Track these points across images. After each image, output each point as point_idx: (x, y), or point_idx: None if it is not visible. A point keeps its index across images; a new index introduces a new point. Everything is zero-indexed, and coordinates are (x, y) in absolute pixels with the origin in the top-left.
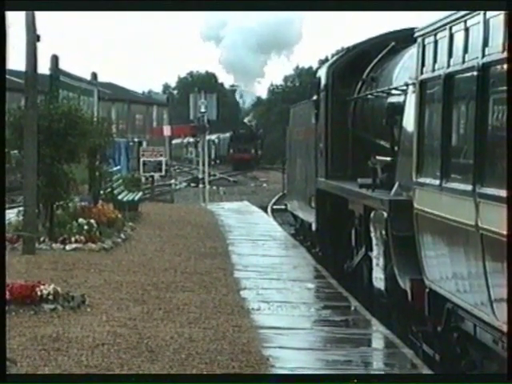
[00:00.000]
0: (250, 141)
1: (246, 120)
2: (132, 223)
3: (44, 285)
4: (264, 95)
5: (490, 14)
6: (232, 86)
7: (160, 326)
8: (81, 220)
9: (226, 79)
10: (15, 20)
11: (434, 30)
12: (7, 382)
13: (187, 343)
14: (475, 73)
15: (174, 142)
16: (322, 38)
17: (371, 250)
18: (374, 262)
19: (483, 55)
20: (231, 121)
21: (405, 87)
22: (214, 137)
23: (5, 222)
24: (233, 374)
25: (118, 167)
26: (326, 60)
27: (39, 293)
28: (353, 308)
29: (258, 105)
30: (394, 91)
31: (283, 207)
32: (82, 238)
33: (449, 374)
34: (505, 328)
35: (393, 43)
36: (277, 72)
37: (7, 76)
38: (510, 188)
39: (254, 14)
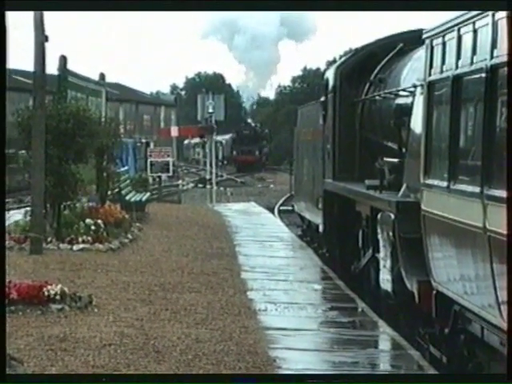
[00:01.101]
0: (254, 142)
1: (249, 120)
2: (139, 224)
3: (51, 285)
4: (271, 96)
5: (498, 15)
6: (238, 88)
7: (167, 326)
8: (88, 220)
9: (238, 72)
10: (24, 21)
11: (443, 31)
12: (7, 382)
13: (194, 344)
14: (483, 74)
15: (185, 142)
16: (331, 38)
17: (378, 251)
18: (381, 263)
19: (491, 57)
20: (239, 122)
21: (413, 89)
22: (225, 137)
23: (5, 221)
24: (239, 374)
25: (126, 168)
26: (334, 61)
27: (46, 293)
28: (360, 309)
29: (264, 105)
30: (401, 93)
31: (290, 208)
32: (89, 238)
33: (449, 374)
34: None
35: (401, 45)
36: (284, 68)
37: (15, 76)
38: (510, 189)
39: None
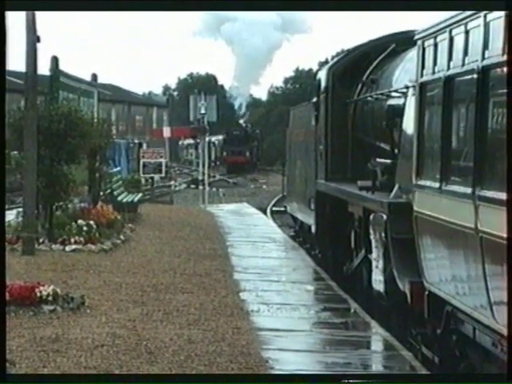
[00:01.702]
0: (244, 143)
1: (241, 121)
2: (131, 224)
3: (43, 286)
4: (263, 97)
5: (490, 16)
6: (230, 87)
7: (159, 327)
8: (80, 221)
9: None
10: (15, 21)
11: (434, 32)
12: (7, 381)
13: (186, 345)
14: (475, 75)
15: (179, 143)
16: (324, 39)
17: (371, 252)
18: (374, 264)
19: (483, 58)
20: (231, 122)
21: (405, 90)
22: (218, 137)
23: (4, 222)
24: (232, 374)
25: (118, 168)
26: (327, 62)
27: (38, 294)
28: (352, 310)
29: (255, 106)
30: (394, 94)
31: (283, 209)
32: (82, 239)
33: (448, 374)
34: (504, 331)
35: (393, 45)
36: (276, 69)
37: (7, 77)
38: (510, 191)
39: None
